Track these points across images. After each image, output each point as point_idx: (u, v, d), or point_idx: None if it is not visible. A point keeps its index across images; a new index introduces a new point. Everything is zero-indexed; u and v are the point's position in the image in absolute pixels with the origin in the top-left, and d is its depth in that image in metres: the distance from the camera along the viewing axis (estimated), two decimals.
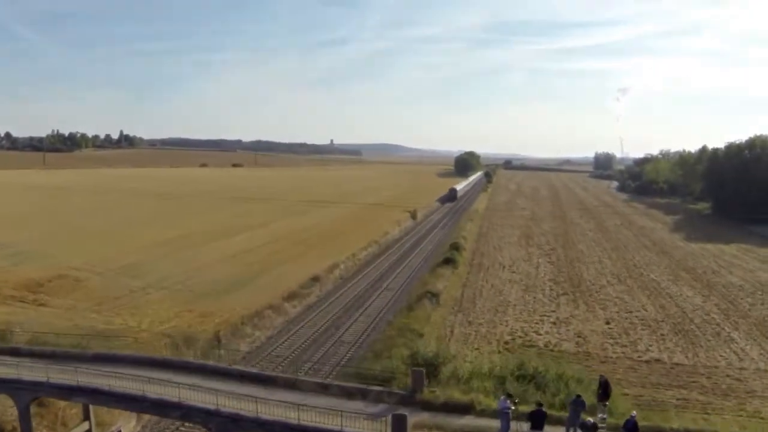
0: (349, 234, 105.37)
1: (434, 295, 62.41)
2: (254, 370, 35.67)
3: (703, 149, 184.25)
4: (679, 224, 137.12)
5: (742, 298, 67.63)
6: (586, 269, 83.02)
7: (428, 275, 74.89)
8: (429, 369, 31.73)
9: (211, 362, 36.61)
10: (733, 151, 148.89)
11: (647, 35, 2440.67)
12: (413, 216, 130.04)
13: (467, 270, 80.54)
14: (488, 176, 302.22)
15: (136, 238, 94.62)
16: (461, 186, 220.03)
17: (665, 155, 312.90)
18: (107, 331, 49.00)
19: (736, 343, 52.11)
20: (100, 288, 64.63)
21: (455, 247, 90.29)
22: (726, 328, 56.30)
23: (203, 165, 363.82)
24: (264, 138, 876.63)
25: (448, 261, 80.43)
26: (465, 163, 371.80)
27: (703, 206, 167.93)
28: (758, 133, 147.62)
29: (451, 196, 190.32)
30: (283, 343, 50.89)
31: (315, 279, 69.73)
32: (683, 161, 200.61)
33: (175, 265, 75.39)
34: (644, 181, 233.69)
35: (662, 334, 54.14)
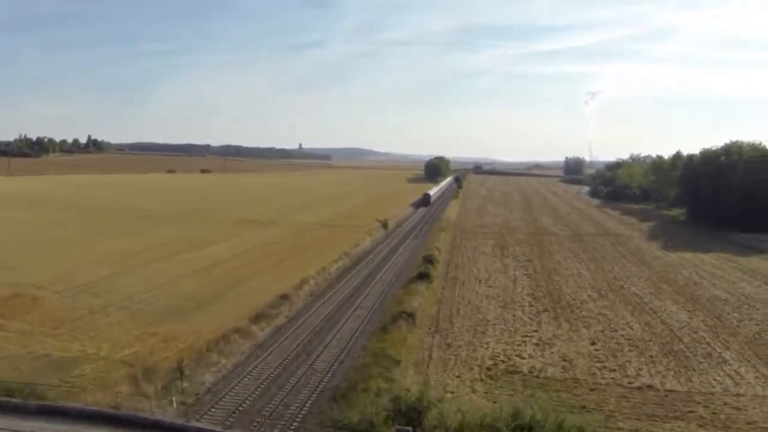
0: (319, 245, 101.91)
1: (410, 315, 58.97)
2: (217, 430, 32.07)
3: (678, 155, 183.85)
4: (656, 232, 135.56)
5: (728, 313, 65.31)
6: (565, 282, 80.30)
7: (402, 291, 71.46)
8: (412, 415, 28.25)
9: (167, 419, 33.22)
10: (709, 157, 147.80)
11: (618, 39, 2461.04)
12: (384, 225, 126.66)
13: (442, 284, 77.40)
14: (458, 181, 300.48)
15: (98, 250, 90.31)
16: (434, 191, 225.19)
17: (636, 159, 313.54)
18: (63, 359, 45.48)
19: (730, 365, 49.48)
20: (58, 308, 60.48)
21: (429, 260, 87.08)
22: (717, 347, 53.73)
23: (171, 171, 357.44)
24: (233, 143, 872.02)
25: (422, 276, 77.11)
26: (435, 169, 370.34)
27: (678, 212, 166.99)
28: (734, 139, 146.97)
29: (425, 200, 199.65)
30: (252, 371, 46.94)
31: (284, 297, 65.90)
32: (656, 167, 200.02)
33: (139, 281, 71.55)
34: (617, 186, 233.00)
35: (651, 356, 51.36)
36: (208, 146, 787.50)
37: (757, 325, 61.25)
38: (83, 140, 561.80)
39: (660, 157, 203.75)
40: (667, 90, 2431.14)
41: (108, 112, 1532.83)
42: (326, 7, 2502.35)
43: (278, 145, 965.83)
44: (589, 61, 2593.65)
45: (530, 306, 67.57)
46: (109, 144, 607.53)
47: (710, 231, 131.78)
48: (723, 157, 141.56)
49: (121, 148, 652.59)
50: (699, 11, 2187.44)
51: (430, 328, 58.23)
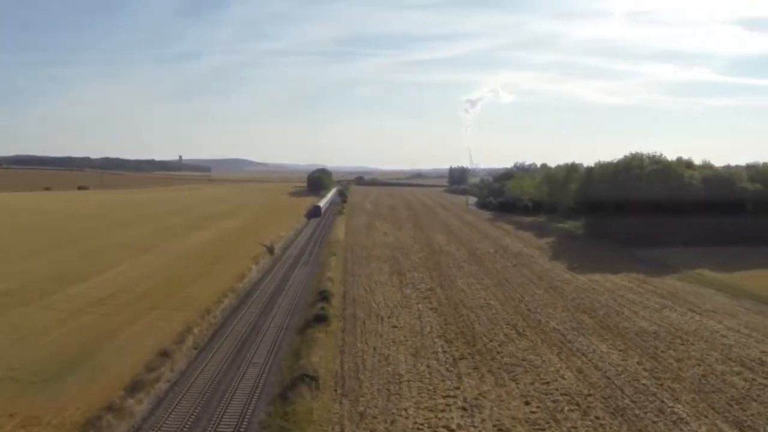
0: (202, 277, 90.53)
1: (312, 379, 48.76)
2: None
3: (573, 167, 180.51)
4: (557, 249, 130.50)
5: (663, 351, 59.25)
6: (476, 317, 72.39)
7: (299, 339, 61.44)
8: None
9: None
10: (609, 170, 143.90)
11: (497, 47, 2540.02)
12: (270, 251, 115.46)
13: (341, 326, 68.25)
14: (342, 195, 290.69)
15: None
16: (322, 203, 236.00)
17: (520, 168, 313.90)
18: None
19: (687, 423, 42.77)
20: None
21: (323, 296, 77.39)
22: (665, 399, 47.56)
23: (47, 189, 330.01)
24: (113, 155, 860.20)
25: (319, 318, 66.82)
26: (318, 182, 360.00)
27: (573, 225, 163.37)
28: (634, 151, 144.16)
29: (316, 211, 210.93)
30: None
31: (164, 354, 54.41)
32: (549, 178, 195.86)
33: None
34: (507, 198, 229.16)
35: (597, 417, 44.26)
36: (87, 159, 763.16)
37: (699, 365, 55.45)
38: None
39: (548, 167, 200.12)
40: (544, 98, 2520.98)
41: None
42: (204, 17, 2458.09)
43: (158, 157, 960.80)
44: (468, 70, 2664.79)
45: (444, 353, 59.22)
46: None
47: (613, 247, 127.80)
48: (624, 172, 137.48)
49: None
50: (576, 20, 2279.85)
51: (336, 391, 49.60)
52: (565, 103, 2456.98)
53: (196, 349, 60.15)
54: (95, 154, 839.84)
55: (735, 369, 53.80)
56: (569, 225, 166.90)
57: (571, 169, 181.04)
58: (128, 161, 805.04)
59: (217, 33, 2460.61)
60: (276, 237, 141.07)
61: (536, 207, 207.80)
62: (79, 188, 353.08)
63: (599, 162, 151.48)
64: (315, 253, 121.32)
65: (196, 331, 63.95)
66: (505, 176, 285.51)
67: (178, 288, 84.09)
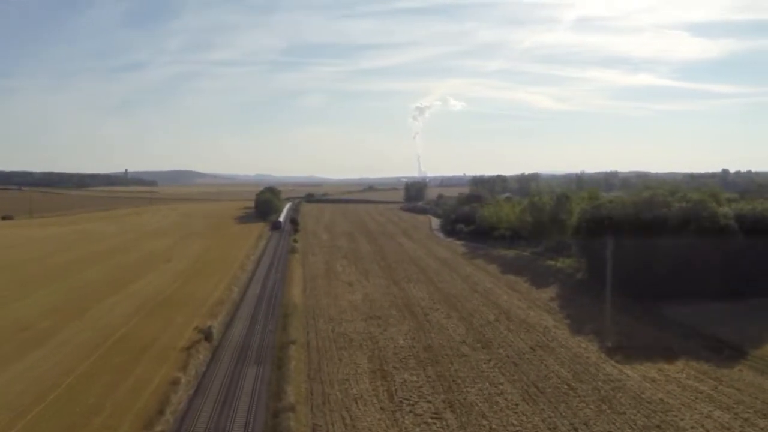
0: (108, 399, 61.84)
1: None
2: None
3: (565, 197, 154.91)
4: (570, 311, 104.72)
5: None
6: None
7: None
8: None
9: None
10: (627, 208, 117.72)
11: (445, 55, 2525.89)
12: (208, 337, 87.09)
13: None
14: (294, 223, 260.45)
15: None
16: (281, 218, 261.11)
17: (478, 180, 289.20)
18: None
19: None
20: None
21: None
22: None
23: None
24: (57, 169, 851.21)
25: None
26: (266, 204, 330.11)
27: (566, 263, 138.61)
28: (657, 170, 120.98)
29: (277, 225, 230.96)
30: None
31: None
32: (535, 207, 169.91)
33: None
34: (480, 225, 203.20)
35: None
36: (29, 174, 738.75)
37: None
38: None
39: (539, 198, 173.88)
40: (494, 105, 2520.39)
41: None
42: (150, 27, 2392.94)
43: (105, 170, 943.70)
44: (417, 78, 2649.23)
45: None
46: None
47: (635, 303, 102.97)
48: (644, 208, 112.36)
49: None
50: (523, 28, 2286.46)
51: None
52: (515, 110, 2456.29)
53: None
54: (39, 168, 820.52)
55: None
56: (561, 263, 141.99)
57: (563, 198, 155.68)
58: (72, 176, 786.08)
59: (165, 43, 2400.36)
60: (218, 299, 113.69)
61: (515, 236, 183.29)
62: (3, 219, 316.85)
63: (616, 197, 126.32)
64: (268, 341, 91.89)
65: None
66: (474, 198, 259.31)
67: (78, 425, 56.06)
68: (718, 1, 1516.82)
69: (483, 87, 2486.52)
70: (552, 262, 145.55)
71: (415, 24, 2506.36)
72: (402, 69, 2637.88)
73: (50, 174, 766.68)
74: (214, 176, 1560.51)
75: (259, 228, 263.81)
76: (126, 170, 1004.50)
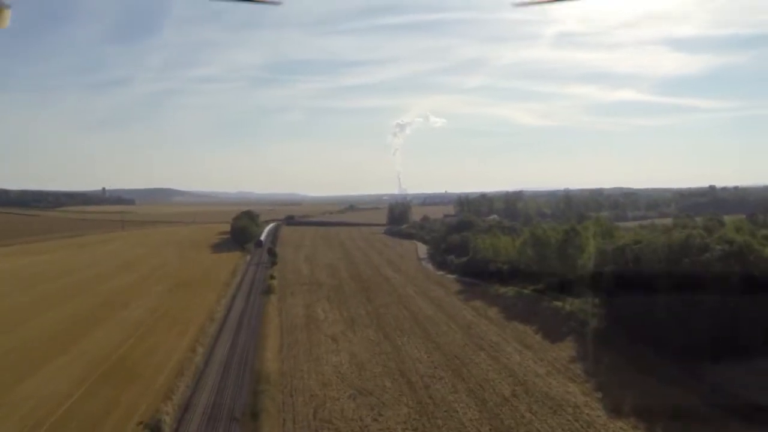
0: None
1: None
2: None
3: (574, 231, 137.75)
4: (595, 375, 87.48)
5: None
6: None
7: None
8: None
9: None
10: (658, 251, 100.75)
11: (426, 72, 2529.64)
12: None
13: None
14: (273, 255, 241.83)
15: None
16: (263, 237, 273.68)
17: (463, 199, 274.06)
18: None
19: None
20: None
21: None
22: None
23: None
24: (34, 186, 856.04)
25: None
26: (243, 231, 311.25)
27: (577, 307, 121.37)
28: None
29: (259, 243, 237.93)
30: None
31: None
32: (538, 240, 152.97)
33: None
34: (474, 257, 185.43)
35: None
36: (6, 192, 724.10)
37: None
38: None
39: (543, 231, 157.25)
40: (475, 121, 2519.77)
41: None
42: (131, 43, 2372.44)
43: (83, 187, 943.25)
44: (397, 95, 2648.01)
45: None
46: None
47: (671, 364, 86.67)
48: (679, 251, 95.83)
49: None
50: (504, 44, 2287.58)
51: None
52: (497, 126, 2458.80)
53: None
54: (16, 185, 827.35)
55: None
56: (570, 305, 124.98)
57: (571, 233, 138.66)
58: (48, 194, 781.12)
59: (145, 60, 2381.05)
60: (177, 364, 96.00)
61: (512, 272, 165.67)
62: None
63: (639, 238, 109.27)
64: (235, 417, 74.68)
65: None
66: (464, 225, 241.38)
67: None
68: (698, 17, 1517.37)
69: (464, 103, 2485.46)
70: (559, 304, 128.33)
71: (397, 41, 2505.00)
72: (383, 85, 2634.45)
73: (26, 192, 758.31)
74: (194, 194, 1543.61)
75: (235, 259, 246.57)
76: (104, 188, 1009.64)
